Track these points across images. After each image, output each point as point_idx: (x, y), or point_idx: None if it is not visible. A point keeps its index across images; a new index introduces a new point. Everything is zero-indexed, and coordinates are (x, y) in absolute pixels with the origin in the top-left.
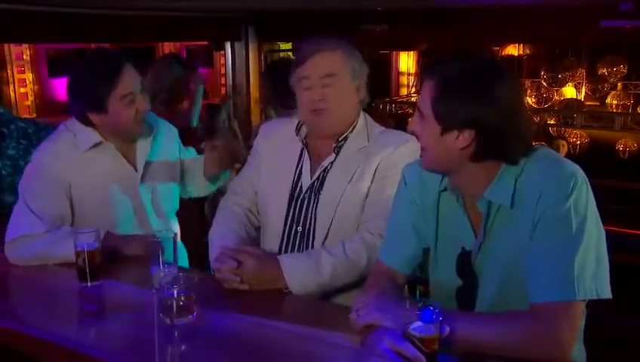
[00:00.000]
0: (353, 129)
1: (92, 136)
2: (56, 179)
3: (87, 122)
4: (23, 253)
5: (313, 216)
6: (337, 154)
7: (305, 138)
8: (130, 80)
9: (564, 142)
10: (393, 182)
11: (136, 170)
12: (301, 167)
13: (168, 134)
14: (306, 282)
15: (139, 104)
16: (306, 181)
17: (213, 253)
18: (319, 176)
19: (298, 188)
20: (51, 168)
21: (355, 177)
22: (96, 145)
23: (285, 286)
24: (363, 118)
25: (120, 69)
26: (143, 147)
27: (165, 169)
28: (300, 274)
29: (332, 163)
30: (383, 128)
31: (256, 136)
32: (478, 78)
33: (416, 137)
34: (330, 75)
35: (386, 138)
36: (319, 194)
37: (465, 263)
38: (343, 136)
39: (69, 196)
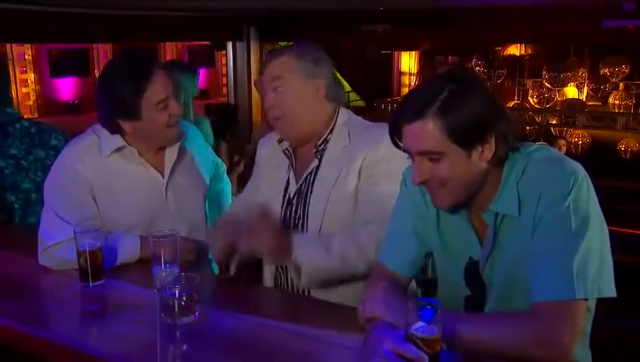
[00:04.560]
0: (332, 130)
1: (115, 140)
2: (80, 180)
3: (116, 130)
4: (65, 257)
5: (305, 221)
6: (320, 159)
7: (289, 146)
8: (162, 83)
9: (564, 142)
10: (383, 176)
11: (163, 177)
12: (289, 175)
13: (197, 139)
14: (315, 258)
15: (172, 108)
16: (292, 188)
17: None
18: (306, 181)
19: (287, 196)
20: (75, 170)
21: (341, 178)
22: (119, 149)
23: (293, 259)
24: (344, 116)
25: (151, 71)
26: (170, 153)
27: (193, 175)
28: (308, 248)
29: (317, 168)
30: (371, 123)
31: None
32: (466, 85)
33: (432, 181)
34: (277, 77)
35: (370, 134)
36: (309, 199)
37: (473, 273)
38: (323, 138)
39: (94, 197)
